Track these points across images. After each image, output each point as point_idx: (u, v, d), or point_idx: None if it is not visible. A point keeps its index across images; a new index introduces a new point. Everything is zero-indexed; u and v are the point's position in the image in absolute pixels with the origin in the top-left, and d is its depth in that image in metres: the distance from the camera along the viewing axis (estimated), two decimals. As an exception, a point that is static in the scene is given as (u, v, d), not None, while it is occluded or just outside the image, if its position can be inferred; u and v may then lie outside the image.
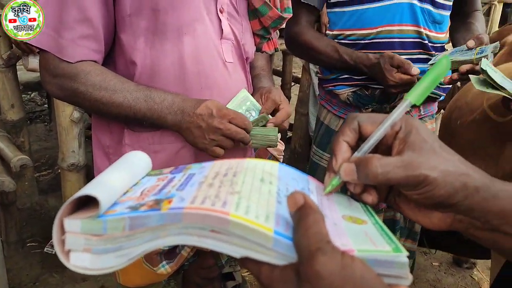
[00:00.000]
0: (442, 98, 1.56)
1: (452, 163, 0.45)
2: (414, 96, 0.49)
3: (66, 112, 2.13)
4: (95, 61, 1.02)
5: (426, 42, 1.43)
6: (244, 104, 1.12)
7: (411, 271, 1.73)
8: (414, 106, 1.48)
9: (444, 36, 1.49)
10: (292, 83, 3.65)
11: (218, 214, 0.37)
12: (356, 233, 0.42)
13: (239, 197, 0.40)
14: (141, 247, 0.40)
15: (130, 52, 1.03)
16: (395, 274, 0.38)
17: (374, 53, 1.41)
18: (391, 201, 0.51)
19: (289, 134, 3.57)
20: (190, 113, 1.01)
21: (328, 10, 1.55)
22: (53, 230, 0.41)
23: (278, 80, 3.85)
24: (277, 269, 0.38)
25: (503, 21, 4.66)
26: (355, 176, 0.46)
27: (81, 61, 1.00)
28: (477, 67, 1.20)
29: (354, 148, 0.50)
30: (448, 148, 0.48)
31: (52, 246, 2.43)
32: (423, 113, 1.55)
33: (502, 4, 3.90)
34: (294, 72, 3.71)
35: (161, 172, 0.52)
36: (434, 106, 1.60)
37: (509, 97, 1.03)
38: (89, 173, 2.35)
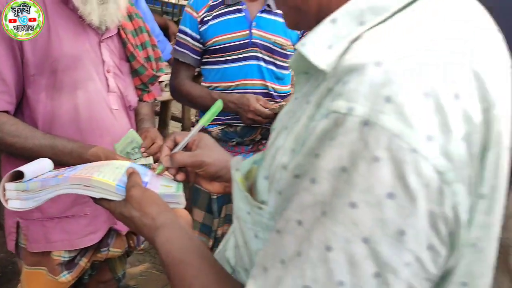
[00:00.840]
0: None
1: (220, 155, 0.84)
2: (202, 121, 0.89)
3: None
4: (8, 111, 1.33)
5: (272, 92, 1.90)
6: (131, 145, 1.45)
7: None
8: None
9: (287, 88, 1.97)
10: (191, 128, 4.06)
11: (87, 177, 0.75)
12: (163, 190, 0.81)
13: (100, 171, 0.78)
14: (47, 196, 0.77)
15: (34, 103, 1.35)
16: (175, 201, 0.78)
17: None
18: (196, 179, 0.88)
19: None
20: (85, 158, 1.32)
21: (202, 67, 1.98)
22: None
23: (179, 125, 4.24)
24: (117, 202, 0.75)
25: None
26: (169, 163, 0.84)
27: None
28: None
29: (172, 149, 0.87)
30: (221, 148, 0.87)
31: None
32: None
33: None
34: (192, 118, 4.13)
35: (59, 169, 0.89)
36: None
37: None
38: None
